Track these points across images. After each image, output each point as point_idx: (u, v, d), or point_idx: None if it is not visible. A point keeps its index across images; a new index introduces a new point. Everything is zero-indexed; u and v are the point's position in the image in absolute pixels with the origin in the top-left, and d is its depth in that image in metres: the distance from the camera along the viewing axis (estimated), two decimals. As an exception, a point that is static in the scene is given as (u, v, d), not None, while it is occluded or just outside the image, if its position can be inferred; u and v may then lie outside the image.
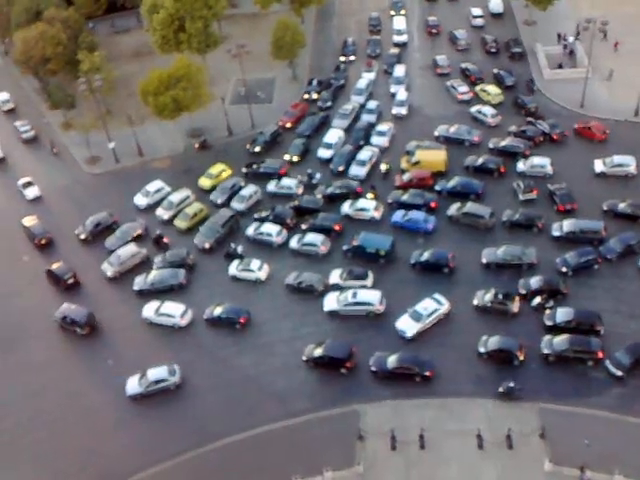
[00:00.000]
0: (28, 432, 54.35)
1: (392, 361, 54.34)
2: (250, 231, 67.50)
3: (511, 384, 52.24)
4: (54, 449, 53.22)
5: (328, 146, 76.25)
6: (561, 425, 50.12)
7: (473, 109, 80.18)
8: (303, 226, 67.49)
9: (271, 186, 72.64)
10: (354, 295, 59.14)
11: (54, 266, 65.91)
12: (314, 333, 57.92)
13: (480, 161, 72.09)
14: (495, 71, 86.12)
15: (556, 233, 63.92)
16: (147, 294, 62.96)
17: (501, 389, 52.34)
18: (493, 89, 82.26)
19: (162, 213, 71.01)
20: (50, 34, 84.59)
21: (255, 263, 63.87)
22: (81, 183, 78.27)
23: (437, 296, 58.48)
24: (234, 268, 64.08)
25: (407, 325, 57.09)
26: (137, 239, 68.30)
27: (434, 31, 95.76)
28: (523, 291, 58.90)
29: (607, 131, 74.98)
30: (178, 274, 63.62)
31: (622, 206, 65.58)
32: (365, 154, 74.34)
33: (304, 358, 56.16)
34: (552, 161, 71.34)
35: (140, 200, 73.00)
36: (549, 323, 56.28)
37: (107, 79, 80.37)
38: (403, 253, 63.86)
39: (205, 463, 50.91)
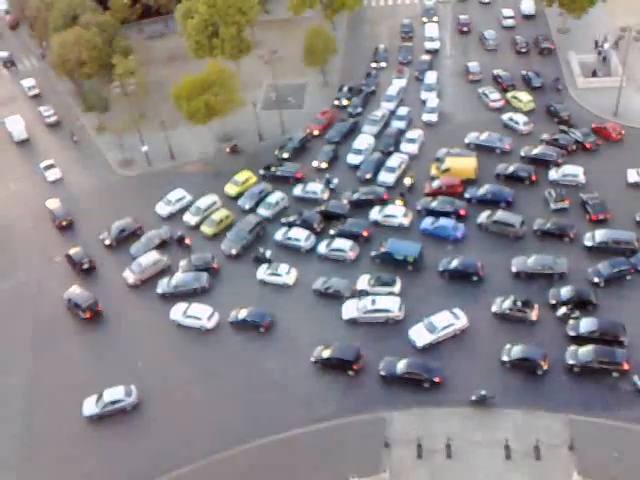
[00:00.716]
0: (54, 433, 55.11)
1: (401, 366, 54.37)
2: (278, 236, 67.80)
3: (483, 392, 51.90)
4: (80, 449, 53.97)
5: (358, 152, 76.28)
6: (590, 437, 49.41)
7: (505, 116, 79.67)
8: (331, 231, 67.60)
9: (297, 190, 73.03)
10: (373, 302, 59.04)
11: (72, 251, 68.54)
12: (340, 338, 57.85)
13: (511, 169, 71.54)
14: (523, 72, 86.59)
15: (588, 243, 63.16)
16: (170, 297, 63.52)
17: (473, 397, 52.02)
18: (525, 96, 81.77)
19: (189, 219, 71.48)
20: (86, 38, 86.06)
21: (283, 267, 64.12)
22: (113, 185, 79.38)
23: (456, 310, 57.89)
24: (262, 272, 64.40)
25: (419, 335, 56.88)
26: (162, 246, 68.70)
27: (465, 29, 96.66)
28: (553, 301, 58.27)
29: (622, 132, 75.40)
30: (201, 277, 64.02)
31: (656, 217, 64.77)
32: (394, 161, 74.20)
33: (312, 359, 56.56)
34: (585, 170, 70.61)
35: (162, 209, 73.35)
36: (572, 333, 55.68)
37: (141, 83, 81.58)
38: (431, 260, 63.58)
39: (230, 467, 51.03)
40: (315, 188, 72.53)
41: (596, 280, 59.80)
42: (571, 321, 56.48)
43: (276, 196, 72.00)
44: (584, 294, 58.15)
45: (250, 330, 60.00)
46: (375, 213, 68.75)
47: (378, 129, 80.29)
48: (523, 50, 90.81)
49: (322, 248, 66.01)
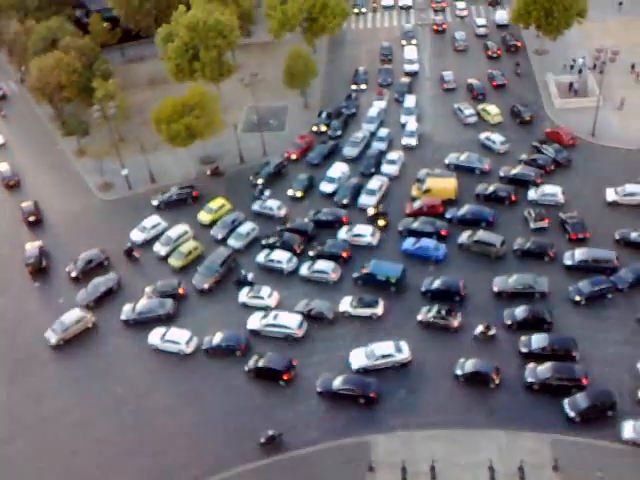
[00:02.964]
0: (31, 460, 54.11)
1: (337, 383, 54.67)
2: (260, 258, 67.51)
3: (270, 432, 51.79)
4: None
5: (331, 180, 76.14)
6: (574, 456, 49.25)
7: (482, 136, 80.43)
8: (310, 253, 67.48)
9: (256, 206, 73.84)
10: (275, 317, 59.89)
11: (23, 204, 77.74)
12: (325, 362, 57.60)
13: (491, 189, 72.04)
14: (489, 72, 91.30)
15: (568, 262, 63.55)
16: (134, 324, 62.64)
17: (262, 439, 51.66)
18: (493, 109, 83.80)
19: (159, 249, 69.98)
20: (65, 61, 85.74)
21: (265, 290, 63.78)
22: (93, 209, 78.83)
23: (402, 343, 57.38)
24: (244, 295, 63.97)
25: (356, 358, 56.98)
26: (109, 294, 66.08)
27: (440, 29, 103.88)
28: (509, 321, 58.54)
29: (575, 137, 78.34)
30: (166, 304, 63.03)
31: (634, 235, 65.20)
32: (375, 183, 74.40)
33: (246, 368, 57.04)
34: (563, 189, 71.24)
35: (137, 236, 72.15)
36: (524, 350, 56.04)
37: (121, 107, 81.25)
38: (414, 281, 63.62)
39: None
40: (272, 205, 73.09)
41: (577, 298, 60.09)
42: (522, 338, 56.62)
43: (247, 227, 71.05)
44: (538, 313, 58.39)
45: (228, 355, 59.25)
46: (343, 233, 68.90)
47: (359, 151, 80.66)
48: (494, 55, 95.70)
49: (304, 270, 65.84)
